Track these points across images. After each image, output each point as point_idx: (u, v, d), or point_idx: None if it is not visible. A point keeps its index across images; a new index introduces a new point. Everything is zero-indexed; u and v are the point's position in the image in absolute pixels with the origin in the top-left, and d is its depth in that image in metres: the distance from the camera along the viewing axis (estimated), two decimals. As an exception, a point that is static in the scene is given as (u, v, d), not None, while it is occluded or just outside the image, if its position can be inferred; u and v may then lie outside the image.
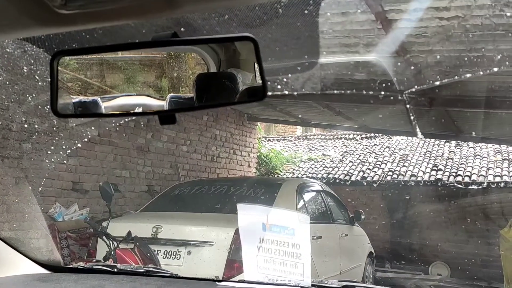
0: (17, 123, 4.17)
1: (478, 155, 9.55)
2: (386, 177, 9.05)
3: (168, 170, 7.05)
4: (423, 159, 9.69)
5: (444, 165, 9.23)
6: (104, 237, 3.94)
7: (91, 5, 0.67)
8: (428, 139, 10.27)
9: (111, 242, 3.93)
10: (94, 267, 1.48)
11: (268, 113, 8.44)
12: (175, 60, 1.80)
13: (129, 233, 3.97)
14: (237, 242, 3.73)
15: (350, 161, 10.17)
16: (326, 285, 1.30)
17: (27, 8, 0.69)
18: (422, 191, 8.54)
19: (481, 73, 3.42)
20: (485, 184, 8.35)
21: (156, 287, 1.28)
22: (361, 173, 9.39)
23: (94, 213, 5.42)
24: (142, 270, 1.51)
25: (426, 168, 9.19)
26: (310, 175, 9.62)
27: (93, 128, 5.72)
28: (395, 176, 9.03)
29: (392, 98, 4.81)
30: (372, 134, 11.30)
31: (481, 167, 8.90)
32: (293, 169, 10.28)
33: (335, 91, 4.89)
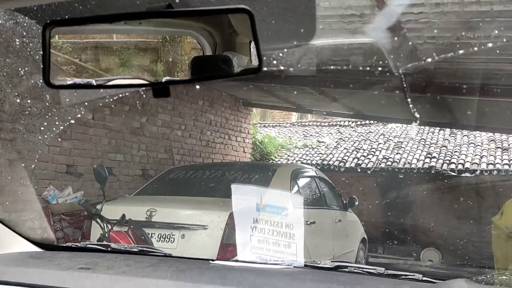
0: (10, 103, 4.13)
1: (472, 143, 9.60)
2: (380, 164, 9.09)
3: (163, 154, 7.04)
4: (417, 147, 9.73)
5: (438, 152, 9.28)
6: (98, 220, 3.94)
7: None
8: (423, 127, 10.31)
9: (105, 225, 3.93)
10: (88, 246, 1.48)
11: (264, 99, 8.42)
12: (170, 44, 1.78)
13: (123, 216, 3.97)
14: (231, 226, 3.74)
15: (344, 148, 10.20)
16: (319, 265, 1.31)
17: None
18: (416, 178, 8.60)
19: (476, 48, 3.40)
20: (478, 172, 8.41)
21: (150, 265, 1.29)
22: (355, 160, 9.43)
23: (88, 196, 5.42)
24: (135, 250, 1.51)
25: (420, 155, 9.24)
26: (304, 161, 9.65)
27: (87, 110, 5.69)
28: (389, 163, 9.08)
29: (388, 83, 4.81)
30: (367, 122, 11.32)
31: (475, 155, 8.96)
32: (288, 155, 10.30)
33: (331, 75, 4.88)
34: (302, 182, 5.24)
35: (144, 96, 6.28)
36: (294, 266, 1.35)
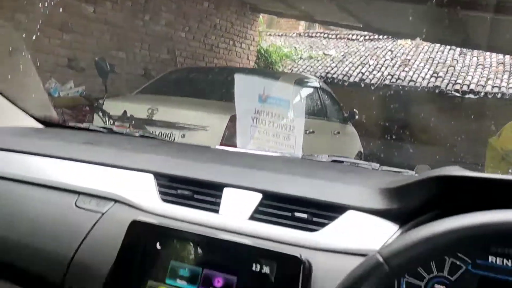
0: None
1: (481, 64, 9.42)
2: (384, 80, 9.00)
3: (165, 55, 6.93)
4: (424, 65, 9.56)
5: (445, 72, 9.14)
6: (100, 113, 3.98)
7: None
8: (433, 45, 10.04)
9: (106, 119, 3.97)
10: (91, 127, 1.50)
11: (272, 5, 8.10)
12: None
13: (125, 112, 4.00)
14: (231, 129, 3.78)
15: (350, 62, 10.02)
16: (316, 159, 1.33)
17: None
18: (419, 97, 8.55)
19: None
20: (482, 94, 8.35)
21: (152, 145, 1.31)
22: (360, 75, 9.31)
23: (90, 92, 5.41)
24: (137, 134, 1.53)
25: (426, 74, 9.11)
26: (309, 73, 9.53)
27: (88, 3, 5.49)
28: (393, 80, 8.98)
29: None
30: (376, 36, 11.00)
31: (481, 77, 8.84)
32: (292, 66, 10.14)
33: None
34: (304, 91, 5.21)
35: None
36: (292, 157, 1.38)
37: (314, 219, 0.82)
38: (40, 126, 1.50)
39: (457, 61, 9.67)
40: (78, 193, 0.93)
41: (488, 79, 8.73)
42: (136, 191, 0.91)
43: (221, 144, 3.80)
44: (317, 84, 5.73)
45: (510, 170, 4.95)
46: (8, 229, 0.91)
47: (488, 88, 8.42)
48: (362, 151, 6.69)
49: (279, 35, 12.41)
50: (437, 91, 8.52)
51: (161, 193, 0.90)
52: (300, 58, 10.55)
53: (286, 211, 0.84)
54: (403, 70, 9.31)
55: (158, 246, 0.78)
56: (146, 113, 4.11)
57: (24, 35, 4.30)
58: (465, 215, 0.57)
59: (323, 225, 0.80)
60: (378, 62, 9.91)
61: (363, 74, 9.34)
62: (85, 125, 1.59)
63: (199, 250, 0.76)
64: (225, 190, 0.88)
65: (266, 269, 0.72)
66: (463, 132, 8.09)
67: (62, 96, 4.98)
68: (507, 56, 8.97)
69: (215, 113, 3.98)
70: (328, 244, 0.76)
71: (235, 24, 8.42)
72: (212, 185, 0.90)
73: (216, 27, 7.92)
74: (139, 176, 0.94)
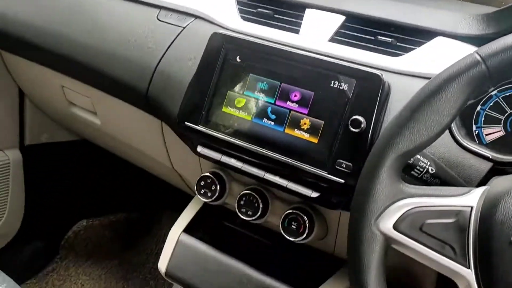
0: None
1: None
2: None
3: None
4: None
5: None
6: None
7: None
8: None
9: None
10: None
11: None
12: None
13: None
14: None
15: None
16: None
17: None
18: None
19: None
20: None
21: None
22: None
23: None
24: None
25: None
26: None
27: None
28: None
29: None
30: None
31: None
32: None
33: None
34: None
35: None
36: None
37: (399, 43, 0.78)
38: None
39: None
40: (160, 7, 0.94)
41: None
42: (216, 8, 0.90)
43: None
44: None
45: None
46: (101, 40, 0.96)
47: None
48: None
49: None
50: None
51: (240, 11, 0.89)
52: None
53: (369, 35, 0.80)
54: None
55: (238, 59, 0.79)
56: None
57: None
58: None
59: (408, 50, 0.76)
60: None
61: None
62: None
63: (279, 65, 0.77)
64: (307, 11, 0.85)
65: (344, 86, 0.72)
66: None
67: None
68: None
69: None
70: (411, 69, 0.74)
71: None
72: (294, 5, 0.87)
73: None
74: (219, -6, 0.92)
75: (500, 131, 0.73)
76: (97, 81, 0.99)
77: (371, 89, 0.70)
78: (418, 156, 0.62)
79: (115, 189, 1.60)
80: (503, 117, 0.73)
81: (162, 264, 0.93)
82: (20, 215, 1.38)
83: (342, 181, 0.73)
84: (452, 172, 0.65)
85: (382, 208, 0.50)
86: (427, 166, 0.63)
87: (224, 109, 0.79)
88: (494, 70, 0.48)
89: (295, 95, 0.75)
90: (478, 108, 0.74)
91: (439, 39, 0.76)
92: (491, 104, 0.74)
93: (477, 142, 0.73)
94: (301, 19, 0.84)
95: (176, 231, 0.95)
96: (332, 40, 0.81)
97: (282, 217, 0.81)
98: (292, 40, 0.82)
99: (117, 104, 1.00)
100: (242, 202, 0.84)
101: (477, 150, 0.66)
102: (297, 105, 0.75)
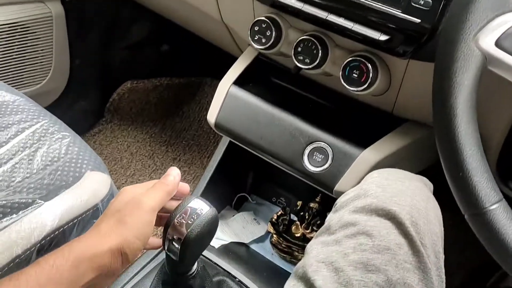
0: None
1: None
2: None
3: None
4: None
5: None
6: None
7: None
8: None
9: None
10: None
11: None
12: None
13: None
14: None
15: None
16: None
17: None
18: None
19: None
20: None
21: None
22: None
23: None
24: None
25: None
26: None
27: None
28: None
29: None
30: None
31: None
32: None
33: None
34: None
35: None
36: None
37: None
38: None
39: None
40: None
41: None
42: None
43: None
44: None
45: None
46: None
47: None
48: None
49: None
50: None
51: None
52: None
53: None
54: None
55: None
56: None
57: None
58: None
59: None
60: None
61: None
62: None
63: None
64: None
65: None
66: None
67: None
68: None
69: None
70: None
71: None
72: None
73: None
74: None
75: None
76: None
77: None
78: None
79: (159, 52, 1.57)
80: None
81: (211, 116, 0.91)
82: (66, 71, 1.37)
83: (418, 20, 0.65)
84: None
85: (485, 21, 0.43)
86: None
87: None
88: None
89: None
90: None
91: None
92: None
93: None
94: None
95: (226, 83, 0.91)
96: None
97: (343, 64, 0.75)
98: None
99: None
100: (299, 49, 0.78)
101: None
102: None
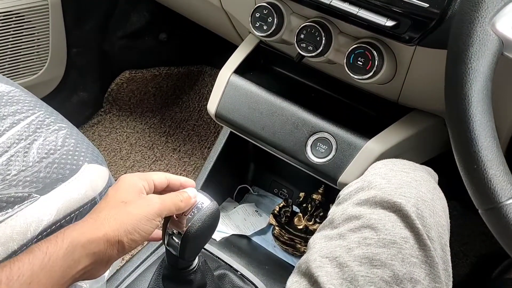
0: None
1: None
2: None
3: None
4: None
5: None
6: None
7: None
8: None
9: None
10: None
11: None
12: None
13: None
14: None
15: None
16: None
17: None
18: None
19: None
20: None
21: None
22: None
23: None
24: None
25: None
26: None
27: None
28: None
29: None
30: None
31: None
32: None
33: None
34: None
35: None
36: None
37: None
38: None
39: None
40: None
41: None
42: None
43: None
44: None
45: None
46: None
47: None
48: None
49: None
50: None
51: None
52: None
53: None
54: None
55: None
56: None
57: None
58: None
59: None
60: None
61: None
62: None
63: None
64: None
65: None
66: None
67: None
68: None
69: None
70: None
71: None
72: None
73: None
74: None
75: None
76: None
77: None
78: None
79: (158, 40, 1.54)
80: None
81: (212, 106, 0.89)
82: (63, 61, 1.34)
83: (426, 5, 0.63)
84: None
85: (502, 3, 0.40)
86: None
87: None
88: None
89: None
90: None
91: None
92: None
93: None
94: None
95: (226, 72, 0.89)
96: None
97: (348, 52, 0.72)
98: None
99: None
100: (302, 36, 0.76)
101: None
102: None
